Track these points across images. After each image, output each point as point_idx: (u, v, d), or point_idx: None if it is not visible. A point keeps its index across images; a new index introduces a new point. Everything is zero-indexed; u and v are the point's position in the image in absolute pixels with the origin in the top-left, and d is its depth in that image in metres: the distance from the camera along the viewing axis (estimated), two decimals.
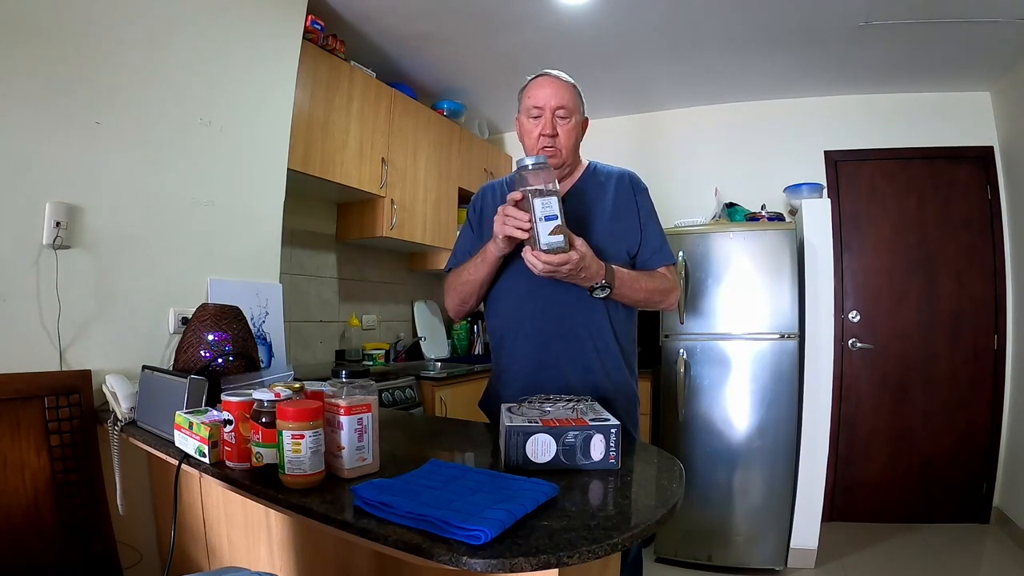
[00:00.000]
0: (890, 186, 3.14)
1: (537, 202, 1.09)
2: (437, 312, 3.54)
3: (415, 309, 3.40)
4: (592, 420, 0.96)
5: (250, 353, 1.40)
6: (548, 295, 1.33)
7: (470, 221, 1.49)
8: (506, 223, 1.18)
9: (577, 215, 1.36)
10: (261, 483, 0.88)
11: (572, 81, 1.37)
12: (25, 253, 1.35)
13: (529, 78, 1.40)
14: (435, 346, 3.38)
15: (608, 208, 1.37)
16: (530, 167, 1.12)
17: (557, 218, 1.10)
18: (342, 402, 0.87)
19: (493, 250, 1.28)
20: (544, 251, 1.11)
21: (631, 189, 1.41)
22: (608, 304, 1.35)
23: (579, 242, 1.17)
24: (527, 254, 1.15)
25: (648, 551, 2.64)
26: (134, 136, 1.57)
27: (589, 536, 0.67)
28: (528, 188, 1.11)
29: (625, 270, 1.30)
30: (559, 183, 1.40)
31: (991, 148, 3.02)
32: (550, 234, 1.10)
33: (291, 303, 2.33)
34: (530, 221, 1.12)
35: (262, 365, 1.54)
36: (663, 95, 3.34)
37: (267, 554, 1.24)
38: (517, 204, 1.15)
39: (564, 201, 1.38)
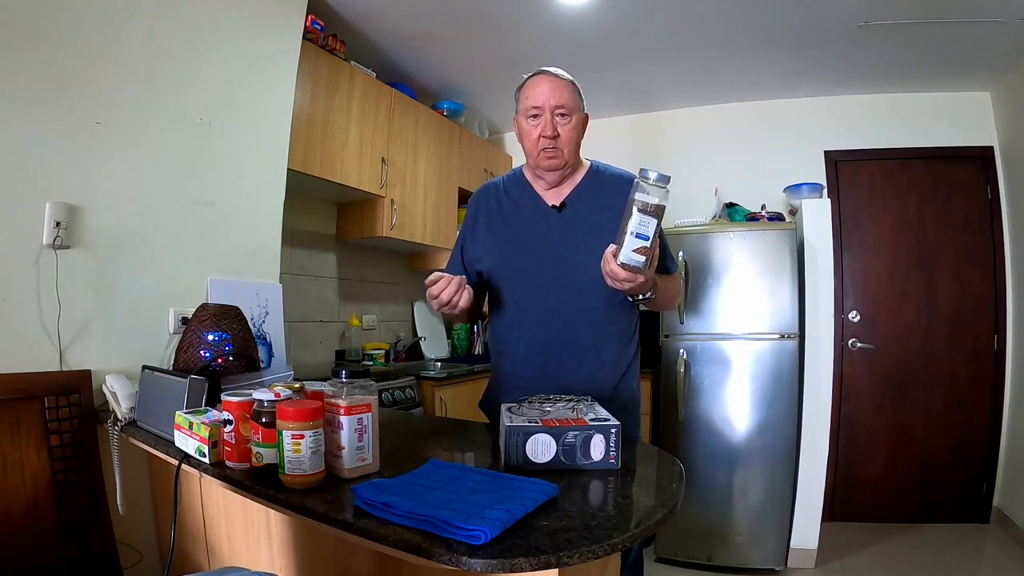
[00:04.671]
0: (890, 186, 3.14)
1: (637, 216, 1.07)
2: (437, 312, 3.53)
3: (415, 309, 3.40)
4: (592, 420, 0.96)
5: (250, 353, 1.41)
6: (550, 307, 1.32)
7: (466, 224, 1.46)
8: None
9: (581, 218, 1.35)
10: (261, 483, 0.88)
11: (570, 78, 1.32)
12: (25, 253, 1.35)
13: (525, 77, 1.34)
14: (435, 346, 3.38)
15: (613, 212, 1.34)
16: (651, 180, 1.08)
17: (648, 239, 1.08)
18: (342, 402, 0.87)
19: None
20: (621, 263, 1.09)
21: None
22: (610, 313, 1.34)
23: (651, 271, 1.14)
24: (607, 256, 1.12)
25: (648, 551, 2.64)
26: (134, 136, 1.57)
27: (589, 536, 0.67)
28: (635, 199, 1.08)
29: (658, 277, 1.26)
30: (560, 185, 1.39)
31: (991, 148, 3.02)
32: (634, 251, 1.09)
33: (291, 303, 2.32)
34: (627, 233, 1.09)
35: (262, 365, 1.54)
36: (663, 95, 3.34)
37: (267, 554, 1.24)
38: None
39: (564, 205, 1.37)
